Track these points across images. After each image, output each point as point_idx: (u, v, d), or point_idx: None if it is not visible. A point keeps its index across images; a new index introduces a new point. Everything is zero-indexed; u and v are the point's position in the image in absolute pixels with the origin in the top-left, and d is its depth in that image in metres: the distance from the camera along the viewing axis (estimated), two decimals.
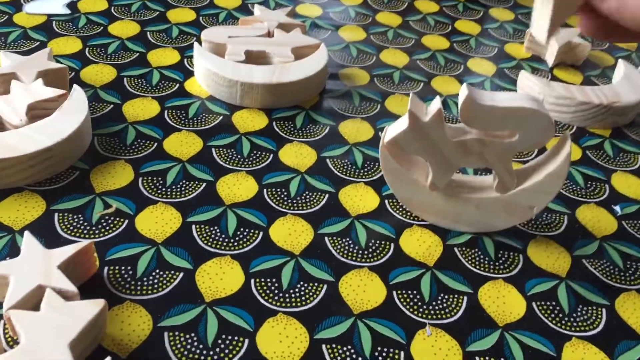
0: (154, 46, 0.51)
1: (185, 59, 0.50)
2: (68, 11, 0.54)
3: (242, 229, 0.35)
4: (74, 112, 0.38)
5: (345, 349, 0.30)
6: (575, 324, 0.33)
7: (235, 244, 0.34)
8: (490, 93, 0.32)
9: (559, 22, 0.27)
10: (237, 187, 0.38)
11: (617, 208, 0.41)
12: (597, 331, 0.32)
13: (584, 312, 0.33)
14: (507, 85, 0.52)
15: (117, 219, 0.35)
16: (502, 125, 0.32)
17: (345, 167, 0.41)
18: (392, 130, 0.34)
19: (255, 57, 0.47)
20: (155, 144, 0.40)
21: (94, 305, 0.27)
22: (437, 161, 0.34)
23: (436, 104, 0.33)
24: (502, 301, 0.33)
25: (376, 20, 0.60)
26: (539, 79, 0.49)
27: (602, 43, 0.60)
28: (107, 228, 0.34)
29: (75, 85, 0.40)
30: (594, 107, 0.47)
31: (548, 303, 0.34)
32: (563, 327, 0.32)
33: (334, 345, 0.30)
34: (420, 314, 0.32)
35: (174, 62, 0.49)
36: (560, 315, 0.33)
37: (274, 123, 0.44)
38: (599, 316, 0.33)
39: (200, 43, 0.47)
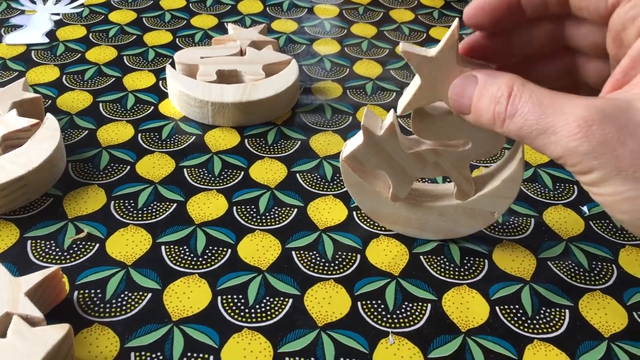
0: (130, 70, 0.52)
1: (160, 82, 0.51)
2: (47, 40, 0.55)
3: (210, 247, 0.36)
4: (46, 141, 0.39)
5: None
6: (537, 326, 0.33)
7: (204, 262, 0.35)
8: (441, 104, 0.33)
9: (414, 105, 0.30)
10: (207, 206, 0.39)
11: (585, 208, 0.41)
12: (559, 332, 0.33)
13: (546, 314, 0.34)
14: None
15: (89, 243, 0.36)
16: (453, 135, 0.33)
17: (315, 180, 0.42)
18: (350, 146, 0.35)
19: (227, 77, 0.48)
20: (128, 167, 0.42)
21: (59, 330, 0.28)
22: (395, 173, 0.35)
23: (390, 118, 0.33)
24: (466, 307, 0.34)
25: (351, 32, 0.61)
26: None
27: None
28: (78, 253, 0.35)
29: (48, 114, 0.41)
30: None
31: (511, 307, 0.34)
32: (525, 329, 0.33)
33: (297, 358, 0.31)
34: (384, 324, 0.33)
35: (149, 84, 0.50)
36: (523, 318, 0.34)
37: (246, 140, 0.45)
38: (562, 317, 0.34)
39: (173, 65, 0.49)
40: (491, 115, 0.26)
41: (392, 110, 0.34)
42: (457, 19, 0.29)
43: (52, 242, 0.36)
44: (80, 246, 0.36)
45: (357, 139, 0.34)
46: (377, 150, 0.34)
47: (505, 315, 0.34)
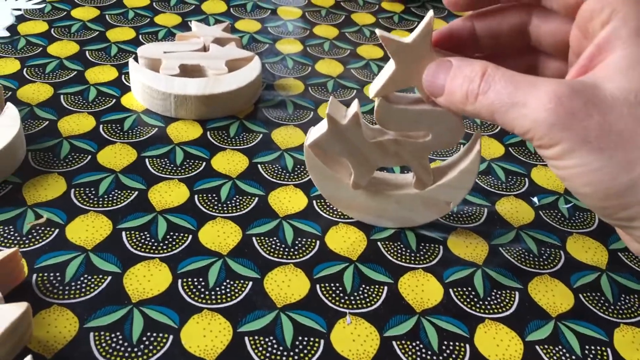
0: (92, 64, 0.52)
1: (123, 76, 0.51)
2: (7, 34, 0.55)
3: (171, 233, 0.37)
4: (5, 129, 0.39)
5: (267, 339, 0.31)
6: (489, 307, 0.34)
7: (165, 247, 0.36)
8: (405, 96, 0.34)
9: (387, 90, 0.31)
10: (169, 194, 0.39)
11: (535, 199, 0.43)
12: (509, 312, 0.34)
13: (497, 295, 0.35)
14: None
15: (48, 228, 0.36)
16: (415, 127, 0.34)
17: (276, 171, 0.43)
18: (314, 133, 0.36)
19: (190, 71, 0.49)
20: (89, 157, 0.42)
21: (17, 308, 0.28)
22: (357, 161, 0.36)
23: (354, 107, 0.35)
24: (421, 289, 0.35)
25: (313, 33, 0.62)
26: None
27: None
28: (38, 238, 0.35)
29: (8, 103, 0.41)
30: None
31: (464, 289, 0.35)
32: (477, 310, 0.34)
33: (256, 337, 0.31)
34: (341, 305, 0.34)
35: (111, 78, 0.50)
36: (475, 299, 0.35)
37: (208, 133, 0.46)
38: (512, 299, 0.35)
39: (137, 60, 0.49)
40: (464, 92, 0.28)
41: (356, 100, 0.35)
42: (431, 10, 0.30)
43: (10, 227, 0.36)
44: (40, 231, 0.36)
45: (322, 127, 0.35)
46: (340, 139, 0.35)
47: (459, 297, 0.35)
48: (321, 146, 0.36)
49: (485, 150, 0.47)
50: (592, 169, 0.25)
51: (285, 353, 0.31)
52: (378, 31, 0.29)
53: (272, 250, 0.36)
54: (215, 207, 0.39)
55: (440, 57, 0.30)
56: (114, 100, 0.48)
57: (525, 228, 0.40)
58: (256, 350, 0.31)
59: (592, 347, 0.33)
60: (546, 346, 0.33)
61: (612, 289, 0.36)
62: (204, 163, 0.43)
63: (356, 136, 0.35)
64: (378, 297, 0.34)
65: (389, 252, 0.37)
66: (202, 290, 0.33)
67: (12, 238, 0.35)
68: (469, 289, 0.35)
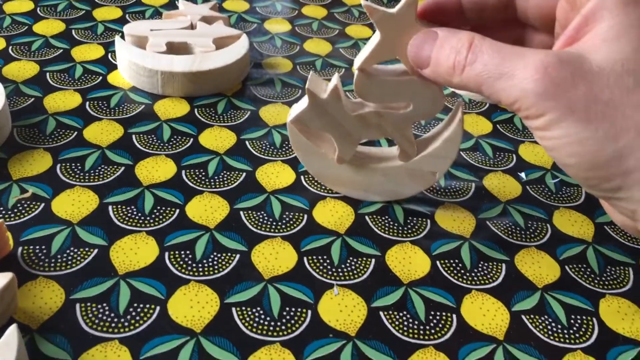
0: (78, 42, 0.52)
1: (109, 54, 0.51)
2: None
3: (158, 208, 0.36)
4: None
5: (254, 310, 0.31)
6: (475, 279, 0.35)
7: (152, 221, 0.35)
8: (383, 67, 0.34)
9: (372, 61, 0.32)
10: (156, 169, 0.39)
11: (523, 175, 0.43)
12: (496, 284, 0.34)
13: (484, 267, 0.35)
14: None
15: (33, 203, 0.36)
16: (395, 98, 0.34)
17: (264, 147, 0.43)
18: (296, 109, 0.36)
19: (177, 49, 0.48)
20: (75, 133, 0.41)
21: (2, 278, 0.28)
22: (340, 135, 0.36)
23: (334, 81, 0.34)
24: (408, 262, 0.35)
25: (302, 13, 0.62)
26: None
27: None
28: (23, 212, 0.35)
29: None
30: None
31: (451, 261, 0.35)
32: (464, 281, 0.34)
33: (243, 308, 0.31)
34: (329, 277, 0.34)
35: (97, 56, 0.50)
36: (462, 271, 0.35)
37: (196, 110, 0.45)
38: (499, 270, 0.35)
39: (123, 38, 0.48)
40: (451, 63, 0.27)
41: (336, 74, 0.35)
42: None
43: None
44: (25, 205, 0.35)
45: (303, 102, 0.35)
46: (321, 113, 0.35)
47: (446, 269, 0.35)
48: (303, 121, 0.35)
49: (473, 127, 0.47)
50: (578, 140, 0.25)
51: (272, 323, 0.31)
52: (363, 1, 0.29)
53: (259, 224, 0.36)
54: (203, 182, 0.39)
55: (425, 29, 0.29)
56: (100, 78, 0.47)
57: (512, 202, 0.40)
58: (243, 321, 0.31)
59: (578, 317, 0.33)
60: (532, 316, 0.33)
61: (598, 261, 0.37)
62: (192, 139, 0.42)
63: (337, 110, 0.35)
64: (365, 269, 0.34)
65: (376, 226, 0.37)
66: (189, 262, 0.33)
67: None
68: (456, 261, 0.36)
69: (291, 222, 0.37)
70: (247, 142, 0.43)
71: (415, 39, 0.29)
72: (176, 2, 0.59)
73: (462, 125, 0.35)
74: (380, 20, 0.30)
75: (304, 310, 0.32)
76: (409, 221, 0.38)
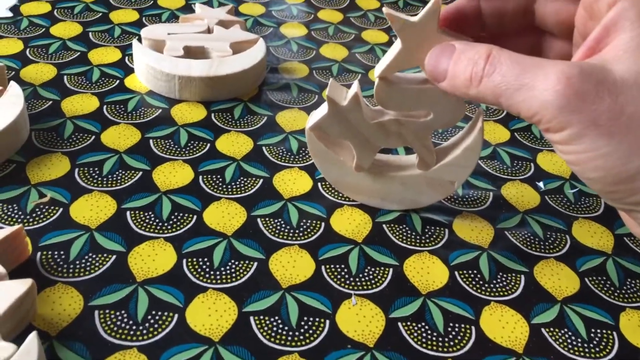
0: (95, 45, 0.52)
1: (126, 57, 0.51)
2: (10, 14, 0.54)
3: (176, 214, 0.36)
4: (9, 107, 0.39)
5: (272, 319, 0.31)
6: (494, 290, 0.34)
7: (169, 227, 0.35)
8: (404, 76, 0.33)
9: (393, 69, 0.31)
10: (173, 175, 0.39)
11: (541, 184, 0.43)
12: (515, 295, 0.34)
13: (503, 278, 0.35)
14: None
15: (52, 207, 0.36)
16: (415, 106, 0.33)
17: (281, 153, 0.42)
18: (315, 116, 0.36)
19: (194, 53, 0.48)
20: (93, 137, 0.41)
21: (22, 285, 0.28)
22: (359, 143, 0.36)
23: (354, 88, 0.34)
24: (427, 271, 0.35)
25: (318, 17, 0.62)
26: None
27: None
28: (42, 216, 0.35)
29: (11, 82, 0.41)
30: None
31: (469, 272, 0.35)
32: (483, 293, 0.34)
33: (261, 317, 0.31)
34: (347, 286, 0.33)
35: (114, 60, 0.50)
36: (481, 282, 0.35)
37: (213, 115, 0.45)
38: (518, 282, 0.35)
39: (140, 41, 0.48)
40: (468, 75, 0.27)
41: (356, 81, 0.35)
42: None
43: (14, 205, 0.35)
44: (44, 210, 0.35)
45: (322, 109, 0.35)
46: (341, 120, 0.35)
47: (464, 280, 0.35)
48: (322, 128, 0.35)
49: (490, 135, 0.47)
50: (602, 154, 0.24)
51: (290, 333, 0.30)
52: (385, 8, 0.29)
53: (277, 231, 0.36)
54: (220, 189, 0.39)
55: (446, 39, 0.29)
56: (118, 82, 0.47)
57: (530, 212, 0.40)
58: (262, 330, 0.30)
59: (598, 331, 0.33)
60: (552, 329, 0.32)
61: (618, 273, 0.36)
62: (208, 144, 0.42)
63: (357, 117, 0.34)
64: (383, 279, 0.34)
65: (394, 235, 0.37)
66: (207, 270, 0.33)
67: (16, 217, 0.35)
68: (475, 271, 0.35)
69: (308, 230, 0.37)
70: (264, 148, 0.43)
71: (432, 52, 0.29)
72: (193, 5, 0.59)
73: (482, 134, 0.35)
74: (402, 29, 0.29)
75: (322, 320, 0.31)
76: (426, 230, 0.38)
